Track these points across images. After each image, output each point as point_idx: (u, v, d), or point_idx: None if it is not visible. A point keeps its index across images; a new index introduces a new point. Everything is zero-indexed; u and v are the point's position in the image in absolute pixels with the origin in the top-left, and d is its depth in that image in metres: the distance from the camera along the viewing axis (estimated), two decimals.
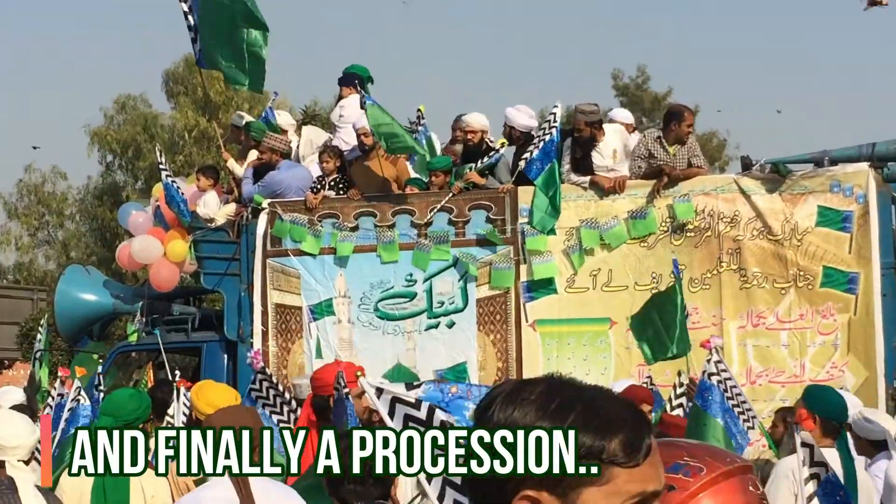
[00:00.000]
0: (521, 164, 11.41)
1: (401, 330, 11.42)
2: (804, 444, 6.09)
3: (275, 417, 7.82)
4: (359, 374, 6.70)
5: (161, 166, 12.87)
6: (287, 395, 8.14)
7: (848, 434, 7.69)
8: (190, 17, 12.44)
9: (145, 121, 40.40)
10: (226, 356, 11.94)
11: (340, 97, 12.76)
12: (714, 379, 7.16)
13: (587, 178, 11.31)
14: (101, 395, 8.67)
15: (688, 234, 10.93)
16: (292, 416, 7.81)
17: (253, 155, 12.42)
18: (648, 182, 11.08)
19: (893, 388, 10.74)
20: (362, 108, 11.73)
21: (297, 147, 13.29)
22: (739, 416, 7.25)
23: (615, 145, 11.54)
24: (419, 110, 13.06)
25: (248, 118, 13.89)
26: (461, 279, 11.43)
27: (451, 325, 11.37)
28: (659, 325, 9.49)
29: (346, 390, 6.66)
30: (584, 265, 11.10)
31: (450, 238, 11.41)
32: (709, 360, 7.29)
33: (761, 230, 10.80)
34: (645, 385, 10.05)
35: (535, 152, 11.14)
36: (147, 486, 6.48)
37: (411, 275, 11.49)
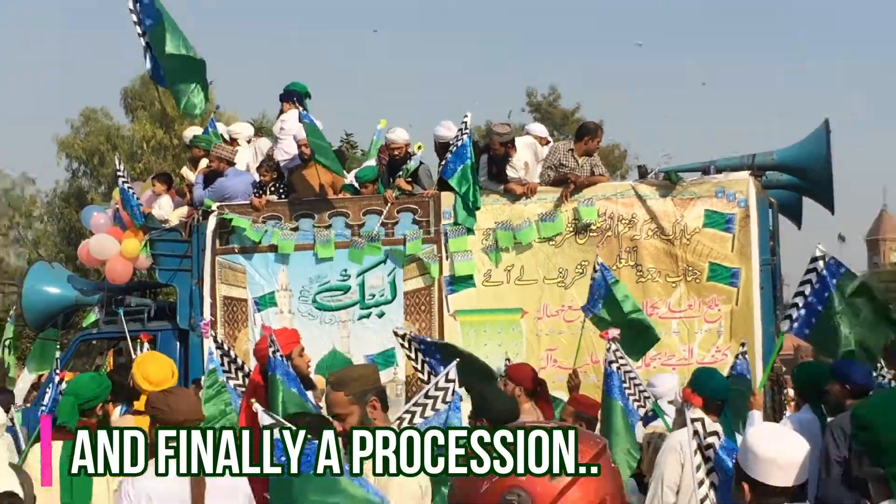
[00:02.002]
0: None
1: (336, 319, 11.75)
2: (694, 420, 6.39)
3: (231, 382, 7.87)
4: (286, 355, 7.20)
5: (119, 173, 13.13)
6: (240, 361, 8.17)
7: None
8: (142, 38, 12.78)
9: (108, 132, 40.95)
10: (178, 343, 12.18)
11: (281, 111, 13.05)
12: (614, 366, 7.57)
13: (501, 187, 11.67)
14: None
15: (591, 234, 11.32)
16: (246, 380, 7.81)
17: (203, 163, 12.78)
18: (557, 188, 11.47)
19: (771, 370, 10.74)
20: (300, 121, 12.01)
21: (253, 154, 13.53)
22: (630, 397, 7.65)
23: (526, 158, 11.96)
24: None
25: (197, 131, 14.17)
26: (390, 274, 11.80)
27: (381, 314, 11.71)
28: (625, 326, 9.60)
29: (278, 352, 6.82)
30: (499, 262, 11.53)
31: (380, 237, 11.76)
32: (608, 350, 7.76)
33: (655, 231, 11.21)
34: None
35: (450, 156, 11.56)
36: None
37: (346, 270, 11.86)
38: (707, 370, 7.61)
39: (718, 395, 6.86)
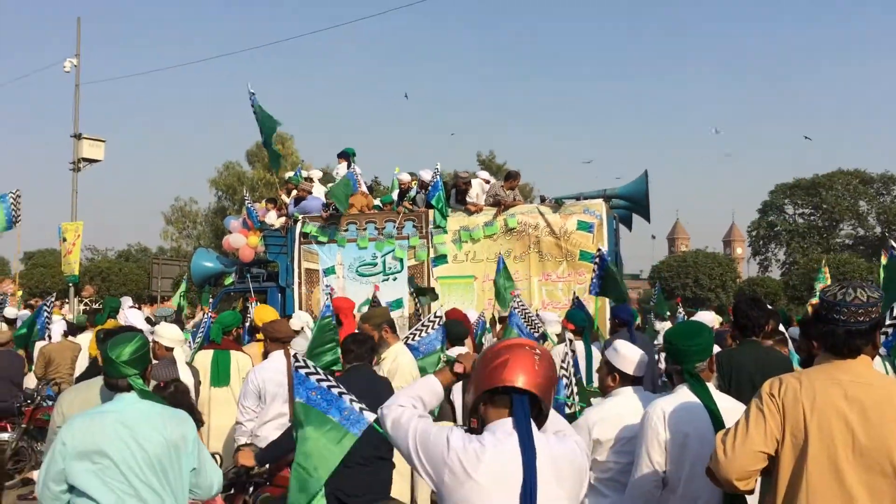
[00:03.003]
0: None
1: (369, 282, 12.12)
2: (570, 339, 6.82)
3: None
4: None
5: (245, 198, 13.91)
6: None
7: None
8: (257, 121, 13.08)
9: (239, 175, 42.93)
10: (279, 295, 12.64)
11: (339, 163, 13.61)
12: (514, 309, 7.70)
13: (463, 207, 12.29)
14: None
15: (514, 234, 11.89)
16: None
17: (293, 193, 13.21)
18: (494, 208, 12.06)
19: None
20: (348, 169, 12.73)
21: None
22: (527, 326, 7.75)
23: (477, 191, 12.53)
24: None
25: (290, 174, 14.55)
26: (400, 256, 12.27)
27: (395, 279, 12.26)
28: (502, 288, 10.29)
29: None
30: (461, 249, 12.13)
31: (394, 235, 12.30)
32: (514, 300, 8.01)
33: (549, 232, 11.77)
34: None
35: (430, 189, 12.10)
36: (240, 359, 6.65)
37: (374, 254, 12.41)
38: (574, 310, 8.15)
39: (580, 324, 7.45)
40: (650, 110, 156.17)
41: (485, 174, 13.59)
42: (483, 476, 2.22)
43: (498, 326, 10.18)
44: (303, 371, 3.40)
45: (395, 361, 5.40)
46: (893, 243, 6.26)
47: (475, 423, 2.40)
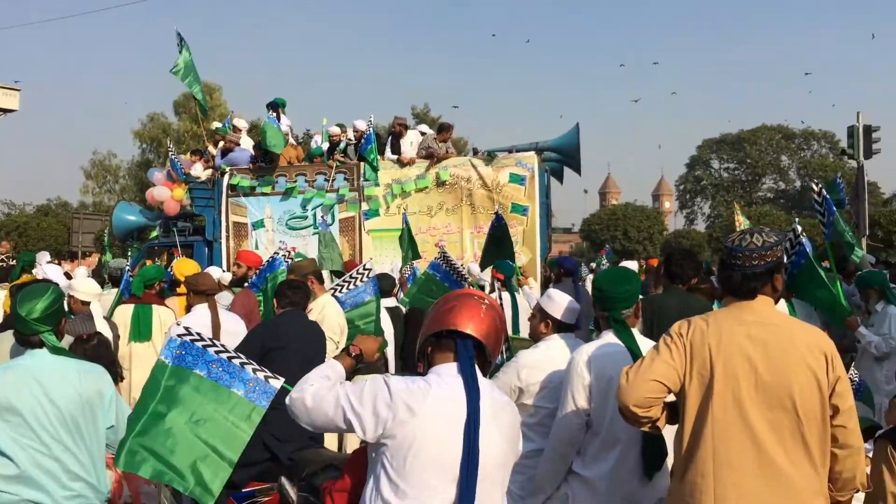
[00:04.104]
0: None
1: (299, 235, 12.18)
2: (498, 287, 7.35)
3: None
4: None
5: (170, 150, 13.54)
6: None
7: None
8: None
9: (164, 126, 41.52)
10: (206, 248, 12.50)
11: (269, 114, 12.97)
12: (440, 261, 7.80)
13: (395, 157, 12.27)
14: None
15: (446, 187, 11.96)
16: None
17: (221, 144, 12.99)
18: (426, 160, 12.08)
19: (543, 263, 11.84)
20: (277, 121, 12.38)
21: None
22: (453, 274, 7.69)
23: (412, 140, 12.46)
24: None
25: (218, 125, 14.14)
26: (331, 209, 12.20)
27: None
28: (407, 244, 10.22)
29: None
30: (393, 202, 12.09)
31: (325, 188, 12.21)
32: (439, 253, 8.18)
33: (482, 185, 11.85)
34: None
35: (363, 142, 12.05)
36: (162, 313, 6.44)
37: (305, 206, 12.33)
38: (504, 261, 8.29)
39: (506, 272, 7.74)
40: (585, 66, 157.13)
41: (423, 127, 13.59)
42: (428, 413, 2.27)
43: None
44: (199, 343, 3.22)
45: (322, 312, 5.41)
46: (815, 188, 6.38)
47: (421, 368, 2.47)
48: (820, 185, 6.46)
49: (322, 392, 2.38)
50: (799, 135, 66.11)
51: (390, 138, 12.64)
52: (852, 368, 5.20)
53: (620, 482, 3.26)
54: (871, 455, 3.02)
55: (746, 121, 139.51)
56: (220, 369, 3.16)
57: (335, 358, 2.68)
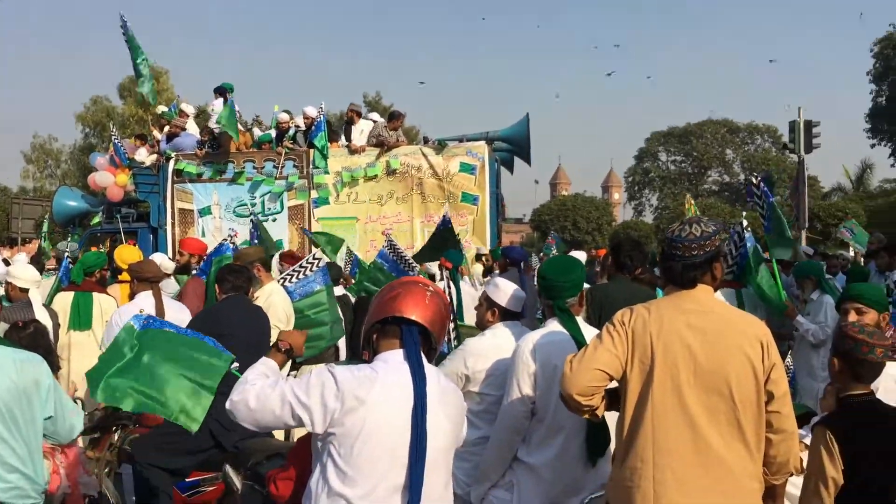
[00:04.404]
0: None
1: (246, 222, 11.48)
2: (447, 277, 7.18)
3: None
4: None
5: (113, 134, 13.18)
6: None
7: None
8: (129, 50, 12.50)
9: (108, 110, 40.27)
10: (151, 235, 12.26)
11: (216, 99, 12.88)
12: (387, 249, 7.81)
13: (346, 144, 12.24)
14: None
15: (396, 175, 11.91)
16: None
17: (166, 129, 12.74)
18: (377, 149, 12.00)
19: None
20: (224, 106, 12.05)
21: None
22: (400, 264, 7.70)
23: (363, 128, 12.39)
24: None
25: (164, 109, 13.97)
26: (279, 196, 12.09)
27: (274, 220, 12.01)
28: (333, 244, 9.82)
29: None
30: (343, 190, 12.01)
31: (274, 175, 12.05)
32: (386, 241, 8.20)
33: (432, 174, 11.86)
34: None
35: (314, 129, 11.90)
36: (102, 301, 6.36)
37: (253, 194, 12.19)
38: (452, 251, 8.10)
39: (455, 262, 7.66)
40: (536, 56, 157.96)
41: (374, 116, 13.48)
42: (376, 400, 2.27)
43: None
44: (156, 322, 3.31)
45: (268, 300, 5.36)
46: (754, 180, 6.54)
47: (367, 355, 2.47)
48: (758, 176, 6.61)
49: (266, 391, 2.34)
50: (743, 129, 67.58)
51: (345, 126, 12.62)
52: (788, 358, 5.35)
53: (564, 468, 3.30)
54: (806, 441, 3.08)
55: (693, 114, 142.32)
56: (187, 334, 3.28)
57: (266, 355, 2.64)
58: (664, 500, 2.56)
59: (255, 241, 8.06)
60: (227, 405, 2.41)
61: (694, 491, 2.55)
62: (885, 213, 28.99)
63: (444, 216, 9.14)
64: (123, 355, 3.19)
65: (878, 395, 3.10)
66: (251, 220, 9.63)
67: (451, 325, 4.99)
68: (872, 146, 41.53)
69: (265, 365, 2.54)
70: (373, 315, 2.51)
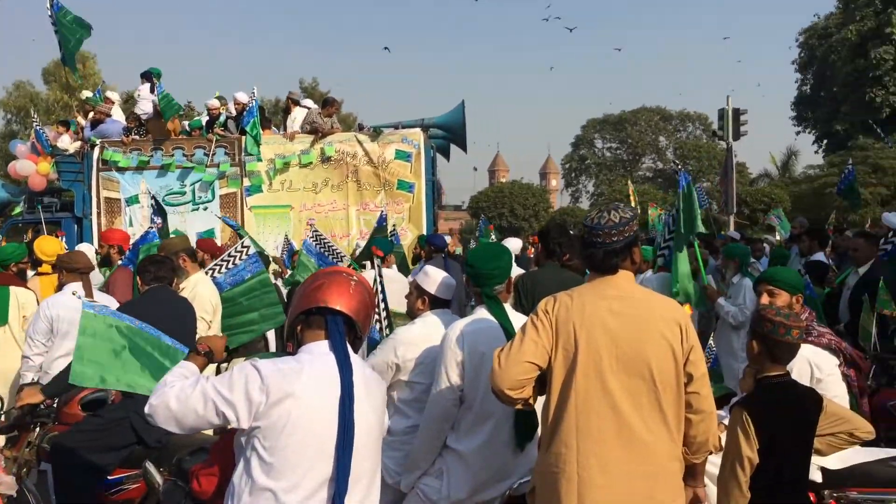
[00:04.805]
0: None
1: (177, 211, 11.75)
2: (379, 266, 6.68)
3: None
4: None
5: (34, 120, 12.71)
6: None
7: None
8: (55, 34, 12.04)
9: (31, 96, 38.74)
10: (75, 225, 11.92)
11: (142, 84, 12.44)
12: (311, 240, 7.77)
13: (280, 132, 12.18)
14: None
15: (331, 163, 11.82)
16: None
17: (91, 115, 12.35)
18: (311, 135, 11.89)
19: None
20: (151, 92, 11.98)
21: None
22: (328, 256, 7.65)
23: (297, 116, 12.30)
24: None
25: (89, 94, 13.53)
26: (211, 184, 11.89)
27: (205, 209, 11.89)
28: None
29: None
30: (276, 177, 11.85)
31: (205, 163, 11.83)
32: (310, 232, 8.10)
33: (368, 161, 11.79)
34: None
35: (246, 114, 11.72)
36: (20, 295, 6.09)
37: (183, 182, 11.97)
38: (380, 238, 8.19)
39: (385, 250, 7.52)
40: (477, 44, 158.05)
41: (308, 102, 13.41)
42: (302, 392, 2.25)
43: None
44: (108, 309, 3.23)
45: (194, 290, 5.25)
46: (680, 169, 6.66)
47: (291, 347, 2.47)
48: (679, 166, 6.75)
49: (186, 391, 2.28)
50: (676, 116, 69.06)
51: (283, 115, 12.63)
52: (710, 342, 5.49)
53: (493, 454, 3.32)
54: (725, 422, 3.15)
55: (629, 101, 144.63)
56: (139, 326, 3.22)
57: (185, 359, 2.59)
58: (588, 484, 2.58)
59: (157, 229, 7.72)
60: (147, 409, 2.32)
61: (617, 473, 2.59)
62: (808, 198, 30.03)
63: (381, 213, 9.15)
64: (86, 339, 3.09)
65: (793, 376, 3.21)
66: (151, 206, 9.45)
67: (384, 314, 4.93)
68: (798, 133, 42.88)
69: (184, 368, 2.48)
70: (297, 306, 2.49)
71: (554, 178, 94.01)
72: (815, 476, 3.54)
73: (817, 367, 3.63)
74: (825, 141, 38.56)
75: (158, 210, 8.92)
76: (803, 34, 41.75)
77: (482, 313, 3.40)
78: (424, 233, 11.51)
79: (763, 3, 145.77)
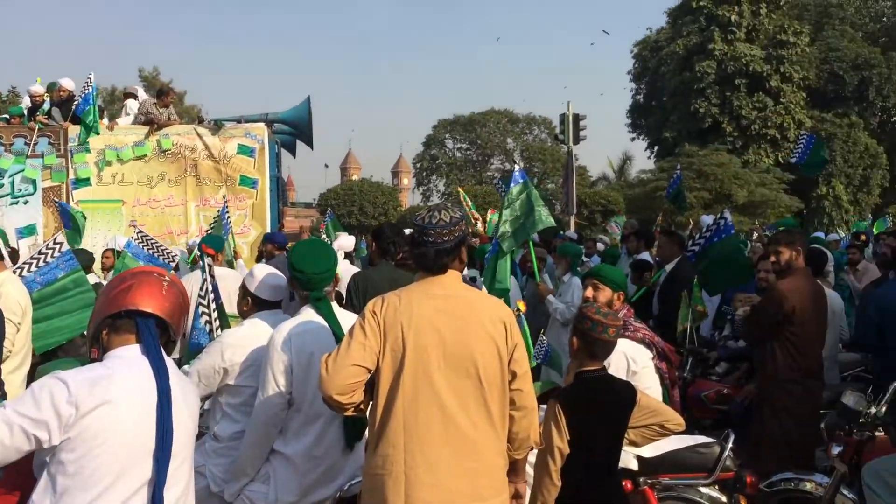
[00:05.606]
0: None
1: None
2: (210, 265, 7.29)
3: None
4: None
5: None
6: None
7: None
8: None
9: None
10: None
11: None
12: (136, 241, 7.54)
13: (113, 122, 11.61)
14: None
15: (168, 156, 11.40)
16: None
17: None
18: (146, 127, 11.43)
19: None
20: None
21: None
22: (158, 256, 7.58)
23: (132, 107, 11.91)
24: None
25: None
26: (32, 176, 11.11)
27: (26, 202, 11.10)
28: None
29: None
30: (106, 170, 11.29)
31: (26, 153, 11.08)
32: (136, 233, 8.04)
33: (208, 155, 11.46)
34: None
35: (80, 101, 10.83)
36: None
37: (1, 174, 11.04)
38: (212, 235, 7.82)
39: (216, 248, 7.00)
40: (325, 41, 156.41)
41: (141, 91, 13.03)
42: (114, 398, 2.15)
43: None
44: None
45: (1, 290, 4.77)
46: (517, 166, 6.77)
47: (96, 353, 2.33)
48: (516, 164, 6.90)
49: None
50: (522, 119, 71.42)
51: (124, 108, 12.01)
52: (542, 335, 5.70)
53: (322, 455, 3.29)
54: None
55: (478, 103, 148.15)
56: None
57: None
58: (415, 483, 2.59)
59: None
60: None
61: (444, 472, 2.61)
62: (641, 200, 32.02)
63: (222, 208, 8.97)
64: None
65: (611, 369, 3.38)
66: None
67: (215, 315, 4.73)
68: (633, 139, 45.47)
69: None
70: (102, 309, 2.36)
71: (406, 177, 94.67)
72: (632, 465, 3.77)
73: (633, 360, 3.86)
74: (656, 147, 41.15)
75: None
76: (637, 46, 44.33)
77: (309, 314, 3.34)
78: (269, 230, 11.28)
79: (605, 16, 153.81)
